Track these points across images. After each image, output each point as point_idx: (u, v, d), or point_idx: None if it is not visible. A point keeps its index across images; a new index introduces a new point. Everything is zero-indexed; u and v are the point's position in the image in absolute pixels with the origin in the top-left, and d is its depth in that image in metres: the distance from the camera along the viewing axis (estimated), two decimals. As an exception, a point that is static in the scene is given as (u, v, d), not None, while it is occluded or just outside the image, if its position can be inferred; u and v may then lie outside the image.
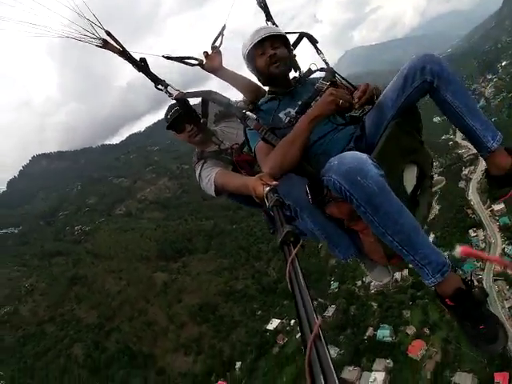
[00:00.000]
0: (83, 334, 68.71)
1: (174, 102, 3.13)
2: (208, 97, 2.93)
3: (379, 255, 2.41)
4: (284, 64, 2.81)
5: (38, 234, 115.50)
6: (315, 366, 0.74)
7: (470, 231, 58.06)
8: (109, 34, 2.82)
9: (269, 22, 3.33)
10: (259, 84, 3.10)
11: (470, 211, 62.28)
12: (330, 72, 2.85)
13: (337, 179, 1.98)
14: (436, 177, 2.77)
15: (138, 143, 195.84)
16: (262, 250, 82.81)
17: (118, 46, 2.88)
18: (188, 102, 3.12)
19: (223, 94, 2.88)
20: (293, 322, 57.87)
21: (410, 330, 48.27)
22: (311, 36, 2.97)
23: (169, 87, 3.00)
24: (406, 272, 56.23)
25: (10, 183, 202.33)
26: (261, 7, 3.39)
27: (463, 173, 72.80)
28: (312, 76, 3.04)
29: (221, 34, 3.34)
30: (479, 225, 58.18)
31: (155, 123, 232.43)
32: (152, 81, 3.02)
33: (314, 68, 2.95)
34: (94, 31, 2.72)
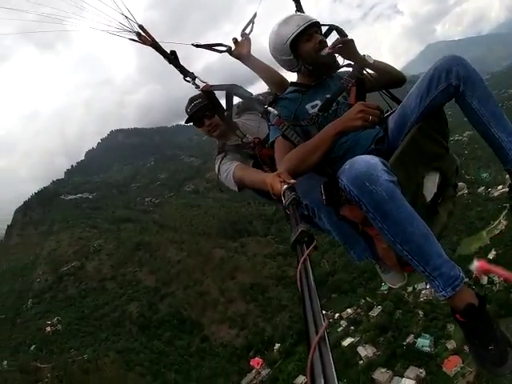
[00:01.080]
0: (140, 294, 73.68)
1: (196, 94, 3.20)
2: (232, 90, 2.97)
3: (392, 262, 2.36)
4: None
5: (110, 200, 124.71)
6: (317, 368, 0.72)
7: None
8: (141, 27, 2.96)
9: (298, 12, 3.18)
10: (284, 76, 3.13)
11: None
12: (357, 68, 2.66)
13: (346, 184, 1.96)
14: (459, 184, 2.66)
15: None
16: (319, 241, 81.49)
17: (149, 39, 3.00)
18: (214, 93, 3.11)
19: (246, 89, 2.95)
20: (337, 315, 57.65)
21: (451, 344, 45.90)
22: (341, 30, 2.82)
23: (196, 79, 3.06)
24: None
25: (88, 153, 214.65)
26: None
27: None
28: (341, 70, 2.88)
29: (251, 21, 3.29)
30: None
31: None
32: (181, 72, 3.09)
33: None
34: (128, 25, 2.88)
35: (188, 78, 3.07)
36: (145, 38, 2.97)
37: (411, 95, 2.36)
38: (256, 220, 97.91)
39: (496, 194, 64.66)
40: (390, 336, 50.83)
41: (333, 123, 2.33)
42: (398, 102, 2.68)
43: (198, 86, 3.03)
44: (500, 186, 60.47)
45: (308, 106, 2.68)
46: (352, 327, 55.14)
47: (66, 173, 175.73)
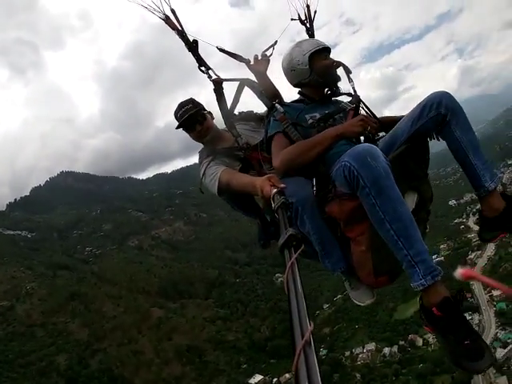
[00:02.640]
0: (70, 346, 69.83)
1: (185, 99, 3.33)
2: (245, 82, 3.24)
3: (367, 270, 2.44)
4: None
5: (49, 244, 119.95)
6: (301, 373, 0.71)
7: (466, 315, 58.30)
8: (173, 12, 3.01)
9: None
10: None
11: (468, 295, 62.93)
12: (356, 99, 3.01)
13: (348, 160, 2.10)
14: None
15: (162, 183, 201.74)
16: (260, 307, 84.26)
17: (177, 25, 3.06)
18: (222, 88, 3.20)
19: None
20: (275, 380, 58.53)
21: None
22: (346, 66, 3.08)
23: (210, 71, 3.15)
24: (395, 348, 57.70)
25: (34, 190, 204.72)
26: (303, 23, 3.71)
27: (469, 257, 72.86)
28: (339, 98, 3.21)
29: (272, 46, 3.55)
30: (476, 309, 58.80)
31: (183, 168, 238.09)
32: (197, 61, 3.15)
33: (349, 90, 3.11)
34: (160, 6, 2.97)
35: (203, 68, 3.16)
36: (172, 22, 3.05)
37: (403, 120, 2.60)
38: (198, 282, 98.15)
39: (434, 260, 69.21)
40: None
41: (335, 126, 2.68)
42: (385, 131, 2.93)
43: (210, 76, 3.14)
44: (435, 256, 65.65)
45: (307, 116, 2.90)
46: (290, 392, 55.69)
47: (7, 205, 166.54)
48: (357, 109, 2.94)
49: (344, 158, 2.15)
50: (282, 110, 2.86)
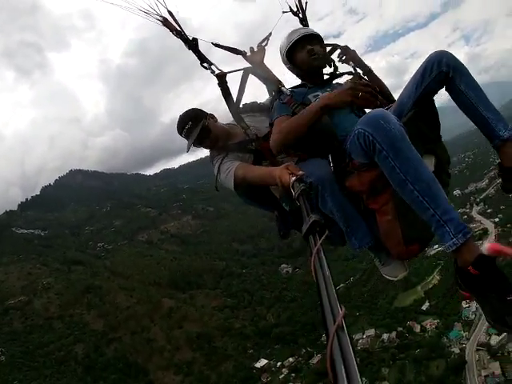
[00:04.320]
0: (87, 336, 73.96)
1: (183, 115, 3.24)
2: (249, 70, 3.28)
3: (396, 239, 2.40)
4: (321, 58, 3.06)
5: (62, 240, 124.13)
6: (337, 357, 0.72)
7: (463, 302, 60.28)
8: (170, 13, 3.07)
9: (300, 27, 3.61)
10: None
11: None
12: (357, 75, 3.09)
13: (361, 127, 2.05)
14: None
15: (170, 179, 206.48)
16: (265, 296, 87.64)
17: (176, 26, 3.10)
18: (226, 82, 3.21)
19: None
20: (279, 364, 62.09)
21: (385, 385, 51.63)
22: (341, 46, 3.15)
23: (213, 66, 3.18)
24: (393, 334, 60.46)
25: (44, 189, 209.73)
26: (296, 14, 3.75)
27: None
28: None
29: (267, 38, 3.53)
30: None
31: (189, 163, 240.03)
32: (199, 58, 3.18)
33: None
34: (157, 9, 3.00)
35: (205, 65, 3.18)
36: (170, 24, 3.08)
37: (407, 86, 2.53)
38: (206, 273, 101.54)
39: (432, 252, 70.36)
40: (328, 381, 55.49)
41: (323, 96, 2.66)
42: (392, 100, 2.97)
43: (213, 72, 3.16)
44: (436, 246, 65.29)
45: (310, 96, 2.96)
46: (293, 374, 59.19)
47: (19, 205, 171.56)
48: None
49: (357, 126, 2.13)
50: (288, 92, 2.94)
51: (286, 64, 3.21)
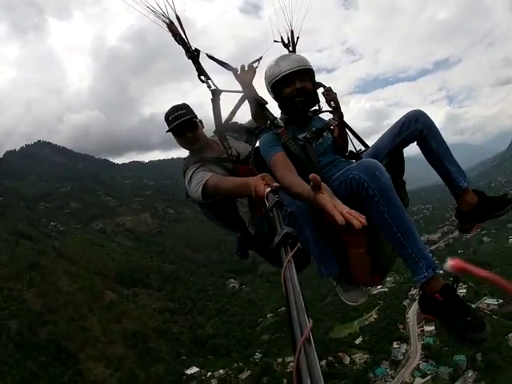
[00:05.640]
0: (23, 314, 72.80)
1: (179, 103, 3.25)
2: (246, 96, 3.34)
3: (365, 270, 2.70)
4: (307, 98, 3.06)
5: (15, 211, 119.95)
6: (303, 370, 0.71)
7: (395, 343, 63.02)
8: (178, 18, 2.98)
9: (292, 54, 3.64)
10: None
11: (401, 326, 67.62)
12: (338, 114, 3.16)
13: (358, 173, 2.34)
14: None
15: (136, 172, 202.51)
16: (208, 307, 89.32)
17: (180, 31, 3.03)
18: (219, 99, 3.21)
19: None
20: (209, 374, 63.50)
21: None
22: (325, 86, 3.20)
23: (209, 81, 3.16)
24: (323, 363, 61.50)
25: (8, 154, 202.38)
26: (286, 46, 3.75)
27: (410, 292, 74.81)
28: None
29: (258, 60, 3.54)
30: (405, 340, 63.32)
31: (160, 161, 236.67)
32: (197, 70, 3.14)
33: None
34: (165, 10, 2.92)
35: (203, 78, 3.15)
36: (175, 29, 3.01)
37: (384, 136, 2.97)
38: (153, 274, 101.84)
39: (374, 292, 73.20)
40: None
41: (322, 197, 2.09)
42: (365, 145, 3.30)
43: (209, 86, 3.17)
44: (380, 286, 69.55)
45: (300, 136, 3.03)
46: (221, 387, 60.68)
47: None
48: (342, 125, 3.17)
49: (351, 171, 2.41)
50: (282, 124, 2.98)
51: (269, 92, 3.22)
